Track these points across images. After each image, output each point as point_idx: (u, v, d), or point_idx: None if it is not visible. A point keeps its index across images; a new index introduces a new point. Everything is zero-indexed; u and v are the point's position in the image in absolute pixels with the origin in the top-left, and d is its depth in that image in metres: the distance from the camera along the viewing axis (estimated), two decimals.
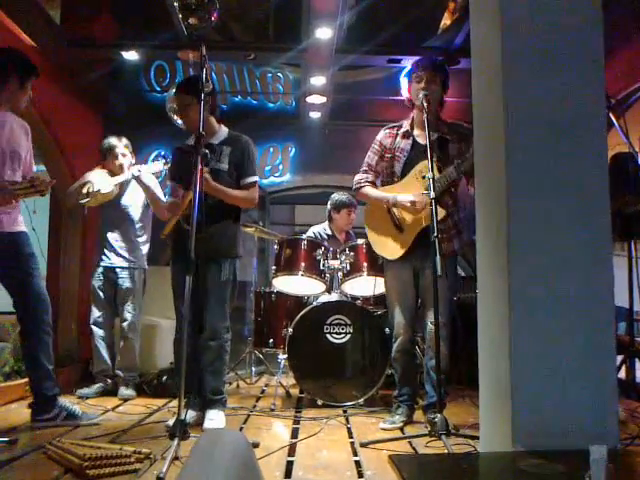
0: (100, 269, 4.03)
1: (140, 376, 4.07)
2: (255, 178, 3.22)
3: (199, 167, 2.57)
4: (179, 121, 4.50)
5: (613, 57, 4.33)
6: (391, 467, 1.91)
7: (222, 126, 3.21)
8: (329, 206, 4.57)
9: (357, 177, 3.26)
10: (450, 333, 3.04)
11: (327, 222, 4.64)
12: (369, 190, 3.20)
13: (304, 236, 4.04)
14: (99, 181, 3.87)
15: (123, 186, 4.00)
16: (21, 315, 3.02)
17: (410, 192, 3.01)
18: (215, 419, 2.97)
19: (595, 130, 2.10)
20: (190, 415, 2.92)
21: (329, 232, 4.58)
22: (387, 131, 3.22)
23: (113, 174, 3.98)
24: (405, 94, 3.20)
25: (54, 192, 5.15)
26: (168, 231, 3.07)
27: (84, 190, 3.83)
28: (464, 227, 3.08)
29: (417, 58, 3.25)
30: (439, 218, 2.91)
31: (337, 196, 4.56)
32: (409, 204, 2.98)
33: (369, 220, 3.27)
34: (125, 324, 3.96)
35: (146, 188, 3.77)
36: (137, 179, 3.77)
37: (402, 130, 3.17)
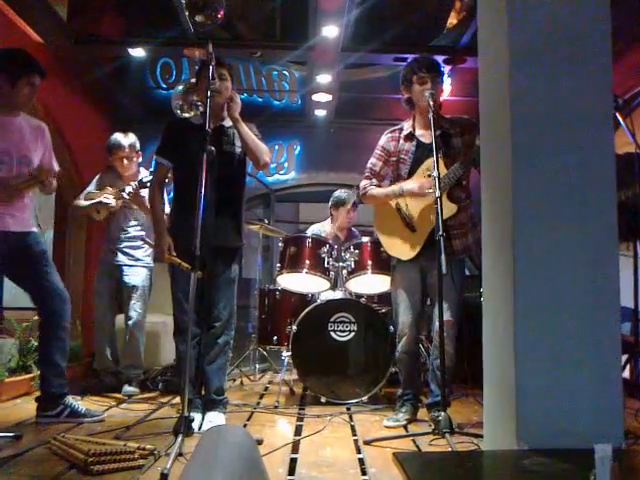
0: (105, 267, 4.04)
1: (144, 373, 4.08)
2: None
3: (204, 167, 2.56)
4: (184, 115, 4.50)
5: (621, 57, 4.32)
6: (395, 465, 1.90)
7: None
8: (330, 204, 4.56)
9: (362, 184, 3.25)
10: (457, 333, 3.04)
11: (329, 220, 4.63)
12: (375, 191, 3.18)
13: (308, 233, 4.03)
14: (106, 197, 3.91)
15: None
16: (39, 312, 3.06)
17: None
18: (215, 422, 2.87)
19: (602, 130, 2.09)
20: (197, 418, 2.87)
21: (328, 230, 4.56)
22: (389, 135, 3.20)
23: (117, 172, 4.03)
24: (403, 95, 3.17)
25: (60, 189, 5.18)
26: None
27: (95, 211, 3.91)
28: (478, 220, 3.06)
29: (410, 60, 3.21)
30: (451, 213, 2.93)
31: (337, 193, 4.54)
32: (417, 189, 2.98)
33: (379, 222, 3.25)
34: (131, 322, 3.95)
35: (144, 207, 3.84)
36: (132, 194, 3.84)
37: (404, 133, 3.15)
